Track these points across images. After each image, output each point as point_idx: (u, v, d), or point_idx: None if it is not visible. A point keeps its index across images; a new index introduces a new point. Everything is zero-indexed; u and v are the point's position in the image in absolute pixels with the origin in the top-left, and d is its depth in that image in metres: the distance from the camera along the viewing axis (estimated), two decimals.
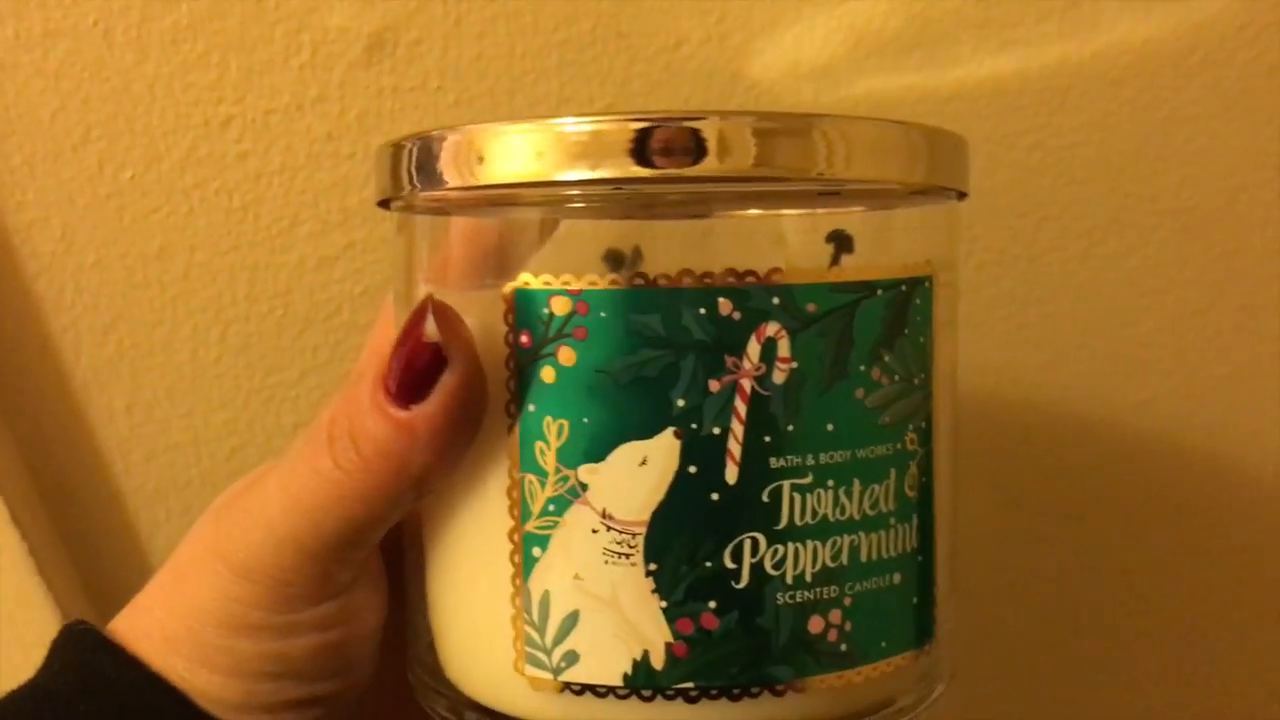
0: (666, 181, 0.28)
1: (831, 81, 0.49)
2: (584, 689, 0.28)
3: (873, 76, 0.49)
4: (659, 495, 0.27)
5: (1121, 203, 0.51)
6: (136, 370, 0.50)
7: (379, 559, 0.33)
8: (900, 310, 0.29)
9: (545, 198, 0.29)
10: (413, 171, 0.29)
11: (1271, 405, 0.54)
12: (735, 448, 0.27)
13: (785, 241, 0.31)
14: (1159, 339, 0.53)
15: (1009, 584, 0.57)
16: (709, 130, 0.27)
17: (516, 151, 0.27)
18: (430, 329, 0.28)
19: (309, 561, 0.30)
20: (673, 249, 0.31)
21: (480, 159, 0.28)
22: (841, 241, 0.30)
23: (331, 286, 0.50)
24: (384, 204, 0.33)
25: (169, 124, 0.48)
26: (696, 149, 0.27)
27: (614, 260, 0.30)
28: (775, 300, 0.27)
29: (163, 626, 0.32)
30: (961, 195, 0.33)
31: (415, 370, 0.28)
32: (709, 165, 0.27)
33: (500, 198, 0.30)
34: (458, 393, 0.28)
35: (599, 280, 0.27)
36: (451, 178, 0.28)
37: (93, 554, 0.52)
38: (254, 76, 0.47)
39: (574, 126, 0.27)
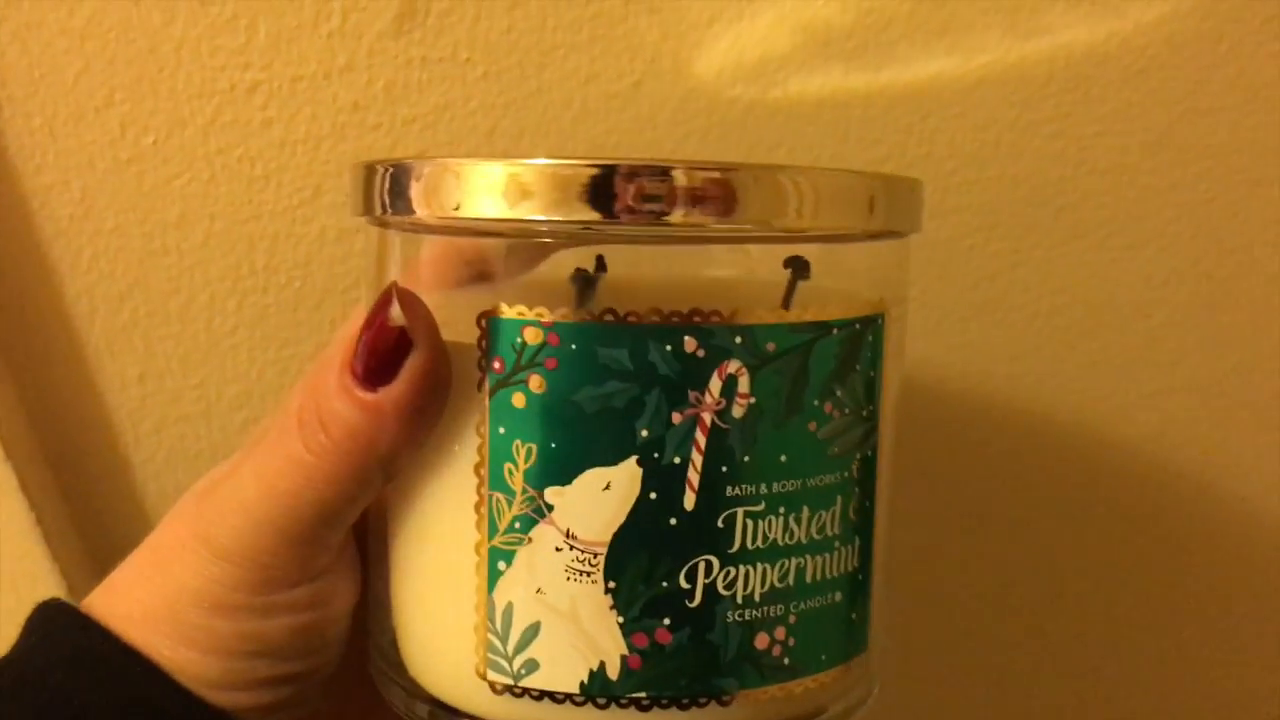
0: (635, 226, 0.34)
1: (857, 67, 0.55)
2: (542, 694, 0.35)
3: (896, 64, 0.55)
4: (620, 519, 0.34)
5: (1140, 194, 0.57)
6: (150, 339, 0.57)
7: (353, 544, 0.40)
8: (853, 347, 0.36)
9: (514, 230, 0.36)
10: (385, 197, 0.36)
11: (1277, 399, 0.60)
12: (694, 477, 0.34)
13: (738, 281, 0.38)
14: (1170, 331, 0.59)
15: (1008, 571, 0.64)
16: (678, 182, 0.33)
17: (487, 191, 0.34)
18: (395, 313, 0.34)
19: (287, 545, 0.37)
20: (636, 263, 0.38)
21: (452, 194, 0.34)
22: (799, 268, 0.37)
23: (351, 259, 0.57)
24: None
25: (194, 88, 0.54)
26: (664, 200, 0.33)
27: (582, 280, 0.37)
28: (738, 339, 0.34)
29: (143, 605, 0.38)
30: None
31: (381, 353, 0.35)
32: (676, 218, 0.33)
33: (470, 228, 0.37)
34: (423, 374, 0.35)
35: (570, 314, 0.34)
36: (422, 208, 0.35)
37: (99, 525, 0.59)
38: (282, 43, 0.54)
39: (547, 170, 0.33)
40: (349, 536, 0.39)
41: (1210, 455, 0.61)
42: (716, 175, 0.33)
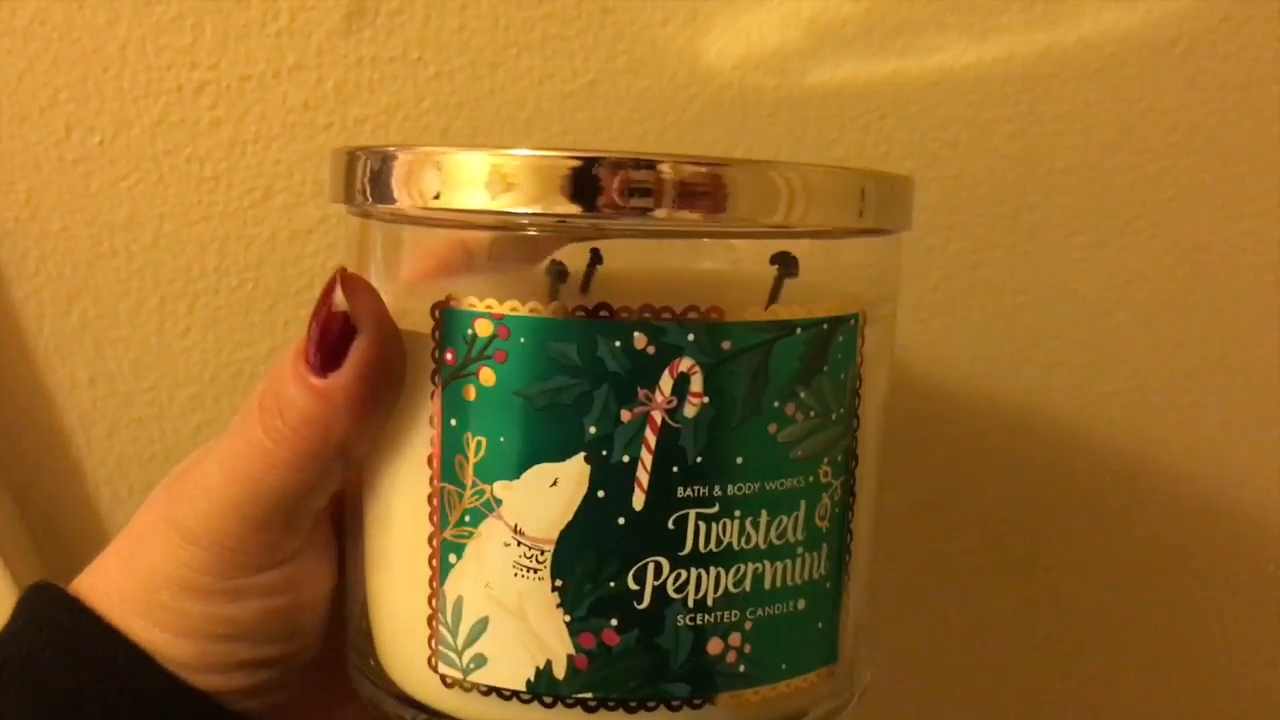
0: (615, 220, 0.34)
1: (814, 66, 0.55)
2: (490, 690, 0.35)
3: (853, 62, 0.55)
4: (568, 516, 0.34)
5: (1100, 193, 0.57)
6: (100, 342, 0.57)
7: (328, 529, 0.40)
8: (820, 348, 0.35)
9: (496, 222, 0.35)
10: (366, 185, 0.35)
11: (1239, 398, 0.60)
12: (643, 476, 0.33)
13: (723, 276, 0.38)
14: (1131, 330, 0.59)
15: (973, 571, 0.64)
16: (666, 177, 0.32)
17: (470, 180, 0.33)
18: (338, 298, 0.34)
19: (252, 529, 0.37)
20: (626, 255, 0.37)
21: (433, 183, 0.34)
22: (787, 264, 0.36)
23: (304, 260, 0.56)
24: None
25: (140, 88, 0.54)
26: (651, 197, 0.32)
27: (558, 273, 0.36)
28: (690, 337, 0.33)
29: (120, 588, 0.38)
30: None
31: (329, 339, 0.35)
32: (661, 215, 0.33)
33: (451, 220, 0.36)
34: (369, 360, 0.35)
35: (520, 306, 0.33)
36: (403, 197, 0.34)
37: (51, 528, 0.59)
38: (229, 42, 0.53)
39: (531, 161, 0.33)
40: (322, 522, 0.40)
41: (1175, 454, 0.61)
42: (705, 171, 0.33)
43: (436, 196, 0.34)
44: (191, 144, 0.55)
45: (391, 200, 0.35)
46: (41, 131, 0.54)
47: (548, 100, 0.55)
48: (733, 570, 0.35)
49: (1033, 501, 0.62)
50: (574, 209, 0.32)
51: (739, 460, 0.34)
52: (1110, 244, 0.58)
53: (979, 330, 0.59)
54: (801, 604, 0.36)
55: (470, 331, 0.34)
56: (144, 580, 0.38)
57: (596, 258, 0.36)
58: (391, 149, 0.35)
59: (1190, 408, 0.61)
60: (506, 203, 0.33)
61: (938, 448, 0.61)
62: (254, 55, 0.54)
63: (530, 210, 0.33)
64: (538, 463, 0.34)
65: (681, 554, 0.34)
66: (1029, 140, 0.57)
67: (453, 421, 0.34)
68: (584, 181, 0.32)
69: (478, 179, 0.33)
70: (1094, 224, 0.58)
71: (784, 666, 0.36)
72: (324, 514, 0.39)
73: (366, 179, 0.36)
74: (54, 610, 0.39)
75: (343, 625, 0.41)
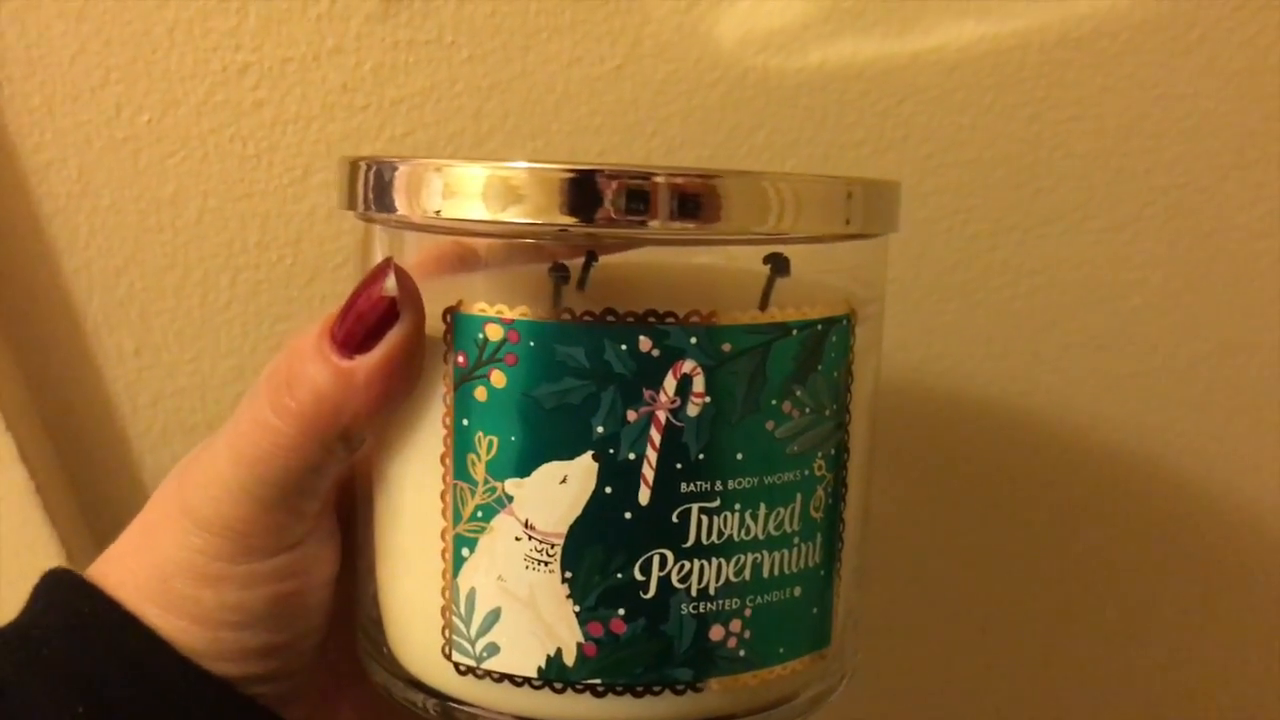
0: (613, 230, 0.34)
1: (834, 51, 0.55)
2: (503, 677, 0.36)
3: (873, 47, 0.55)
4: (576, 511, 0.34)
5: (1115, 178, 0.57)
6: (146, 313, 0.58)
7: (332, 515, 0.40)
8: (814, 348, 0.35)
9: (494, 230, 0.36)
10: (369, 194, 0.36)
11: (1254, 382, 0.60)
12: (649, 472, 0.34)
13: (719, 275, 0.38)
14: (1146, 314, 0.59)
15: (983, 550, 0.64)
16: (658, 190, 0.33)
17: (470, 193, 0.34)
18: (390, 284, 0.35)
19: (262, 512, 0.37)
20: (618, 257, 0.38)
21: (434, 196, 0.35)
22: (778, 264, 0.37)
23: (341, 237, 0.57)
24: None
25: (187, 69, 0.55)
26: (648, 209, 0.33)
27: (560, 274, 0.37)
28: (692, 340, 0.34)
29: (134, 576, 0.38)
30: None
31: (368, 321, 0.35)
32: (657, 226, 0.33)
33: (453, 228, 0.37)
34: (402, 346, 0.35)
35: (529, 311, 0.34)
36: (404, 207, 0.35)
37: (97, 494, 0.60)
38: (272, 25, 0.54)
39: (530, 175, 0.33)
40: (327, 507, 0.40)
41: (1189, 438, 0.61)
42: (700, 182, 0.33)
43: (438, 211, 0.34)
44: (235, 124, 0.55)
45: (393, 210, 0.36)
46: (92, 110, 0.55)
47: (577, 83, 0.55)
48: (733, 560, 0.35)
49: (1047, 483, 0.62)
50: (572, 220, 0.33)
51: (739, 456, 0.35)
52: (1125, 228, 0.58)
53: (996, 312, 0.59)
54: (798, 591, 0.37)
55: (481, 336, 0.34)
56: (158, 568, 0.38)
57: (592, 257, 0.37)
58: (392, 160, 0.35)
59: (1205, 391, 0.61)
60: (506, 215, 0.33)
61: (953, 429, 0.61)
62: (295, 38, 0.55)
63: (530, 222, 0.33)
64: (547, 461, 0.34)
65: (685, 546, 0.35)
66: (1045, 125, 0.57)
67: (464, 421, 0.35)
68: (582, 194, 0.33)
69: (477, 191, 0.34)
70: (1109, 208, 0.58)
71: (780, 651, 0.37)
72: (329, 499, 0.40)
73: (370, 189, 0.36)
74: (72, 597, 0.39)
75: (343, 613, 0.42)
